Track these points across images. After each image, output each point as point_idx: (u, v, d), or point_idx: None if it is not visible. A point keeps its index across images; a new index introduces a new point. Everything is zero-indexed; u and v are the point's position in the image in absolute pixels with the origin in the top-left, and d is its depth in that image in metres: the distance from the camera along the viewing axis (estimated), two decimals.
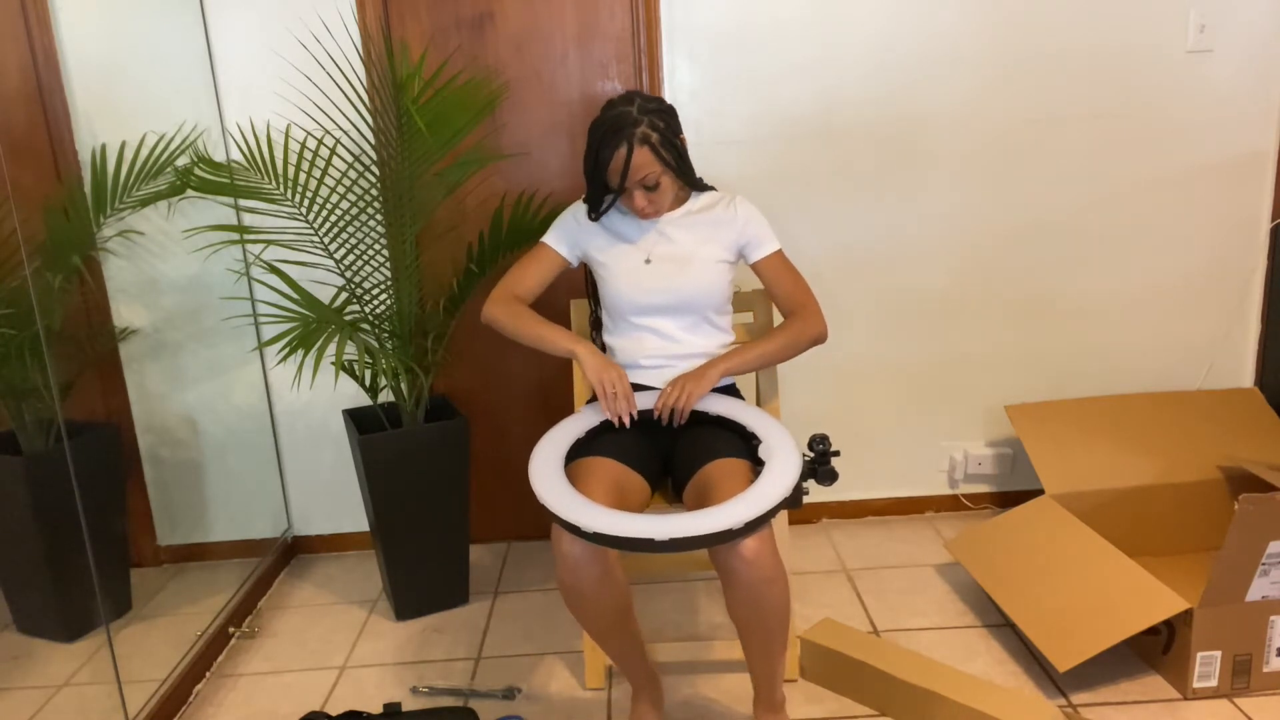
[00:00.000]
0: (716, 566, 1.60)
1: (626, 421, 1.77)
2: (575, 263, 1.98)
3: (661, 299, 1.88)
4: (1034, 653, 2.13)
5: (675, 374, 1.89)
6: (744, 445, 1.77)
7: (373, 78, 2.44)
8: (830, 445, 1.73)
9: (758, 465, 1.70)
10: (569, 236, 1.96)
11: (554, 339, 1.83)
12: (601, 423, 1.82)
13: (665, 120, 1.80)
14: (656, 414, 1.79)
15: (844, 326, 2.73)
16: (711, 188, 1.99)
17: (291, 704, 2.12)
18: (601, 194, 1.86)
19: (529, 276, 1.95)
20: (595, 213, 1.90)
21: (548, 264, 1.96)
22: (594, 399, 1.96)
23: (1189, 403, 2.56)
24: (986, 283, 2.71)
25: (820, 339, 1.89)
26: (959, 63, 2.56)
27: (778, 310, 1.98)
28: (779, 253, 1.94)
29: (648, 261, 1.89)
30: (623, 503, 1.68)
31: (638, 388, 1.91)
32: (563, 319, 2.24)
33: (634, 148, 1.75)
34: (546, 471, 1.66)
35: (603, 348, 2.03)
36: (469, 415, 2.77)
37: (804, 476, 1.66)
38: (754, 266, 1.95)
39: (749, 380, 2.39)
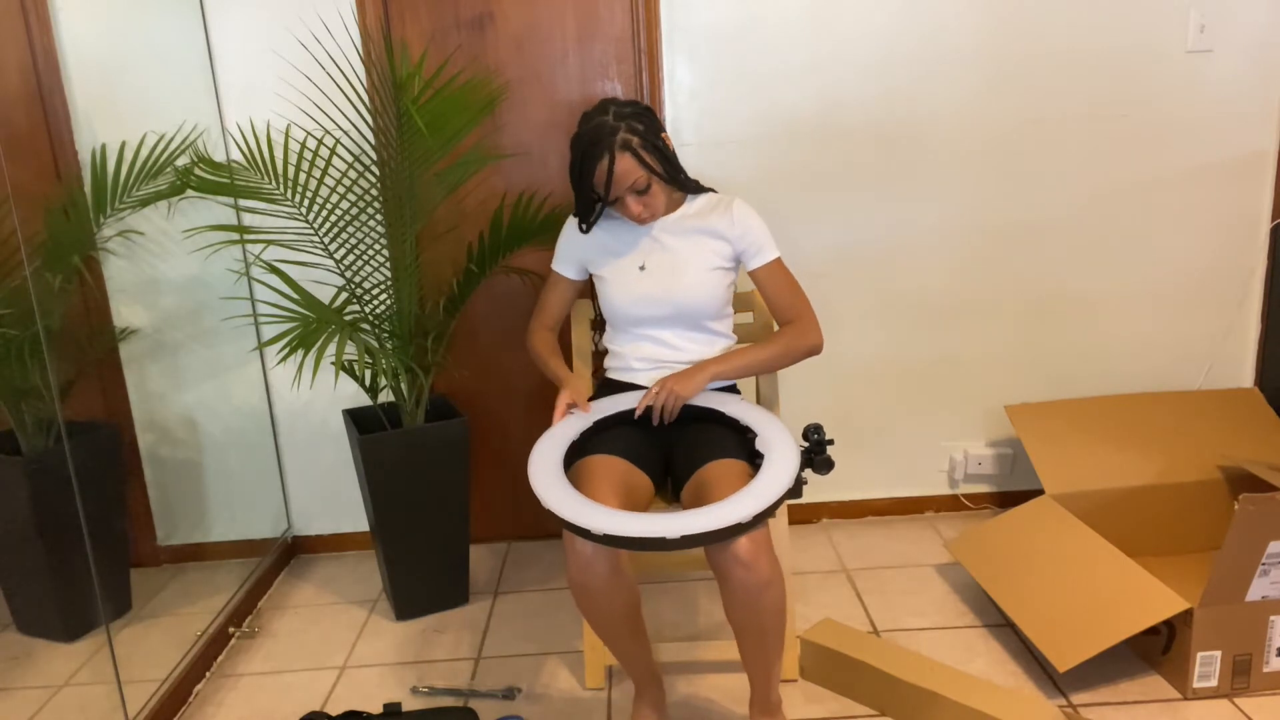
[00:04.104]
0: (714, 569, 1.60)
1: (561, 413, 1.83)
2: (586, 277, 2.01)
3: (656, 310, 1.88)
4: (1034, 653, 2.13)
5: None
6: (741, 444, 1.77)
7: (373, 78, 2.44)
8: (825, 434, 1.74)
9: (755, 460, 1.70)
10: (570, 257, 1.98)
11: (554, 375, 1.95)
12: (596, 422, 1.82)
13: (644, 122, 1.79)
14: (638, 415, 1.80)
15: (844, 326, 2.73)
16: (708, 189, 1.97)
17: (291, 704, 2.12)
18: (590, 206, 1.86)
19: (550, 306, 2.04)
20: (585, 224, 1.92)
21: (561, 289, 2.02)
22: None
23: (1189, 403, 2.56)
24: (986, 282, 2.71)
25: (815, 350, 1.88)
26: (959, 63, 2.56)
27: (774, 319, 1.95)
28: (778, 260, 1.91)
29: (642, 269, 1.88)
30: (630, 501, 1.68)
31: (629, 387, 1.92)
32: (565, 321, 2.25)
33: (616, 155, 1.75)
34: (548, 476, 1.65)
35: (604, 352, 2.03)
36: (469, 415, 2.77)
37: (801, 466, 1.67)
38: (751, 274, 1.93)
39: (749, 380, 2.39)
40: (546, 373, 1.97)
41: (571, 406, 1.84)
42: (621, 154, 1.75)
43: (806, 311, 1.89)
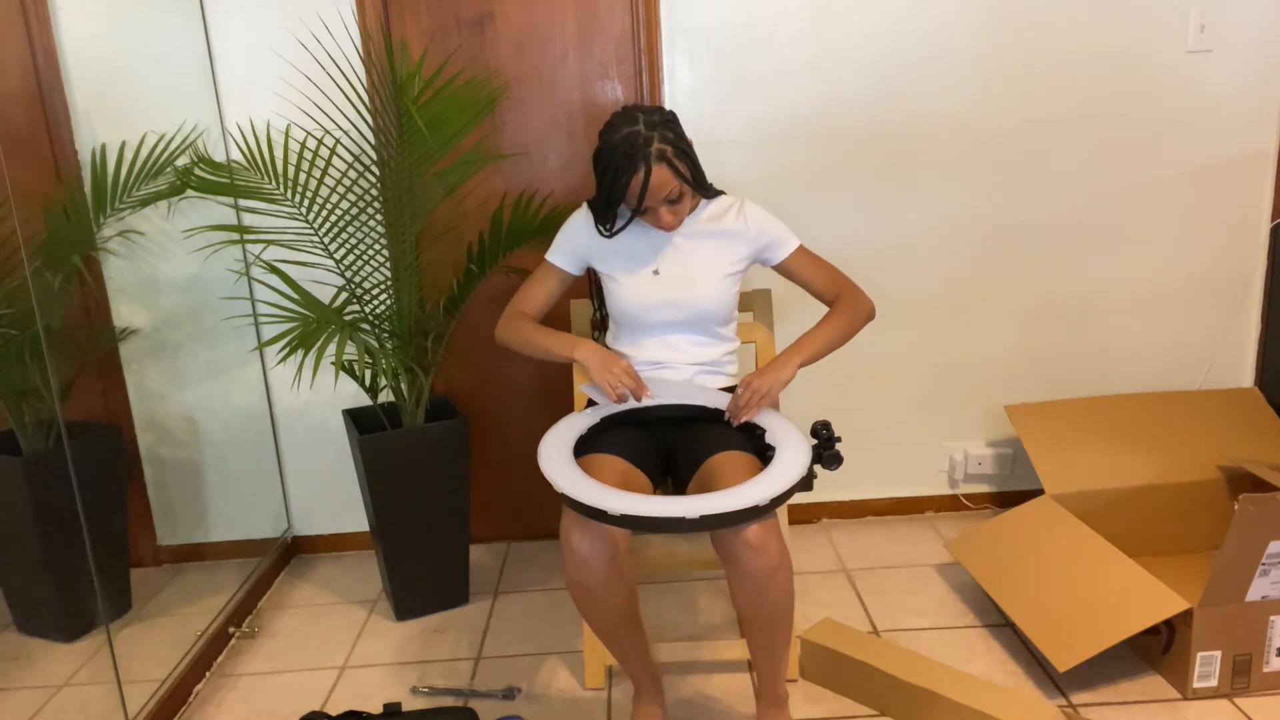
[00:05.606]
0: (722, 555, 1.60)
1: (645, 398, 1.77)
2: (580, 273, 1.96)
3: (670, 314, 1.86)
4: (1034, 653, 2.13)
5: (671, 376, 1.89)
6: (748, 439, 1.77)
7: (373, 78, 2.44)
8: (833, 430, 1.75)
9: (764, 455, 1.71)
10: (573, 253, 1.92)
11: (555, 348, 1.85)
12: (603, 419, 1.82)
13: (674, 130, 1.76)
14: (729, 418, 1.78)
15: None
16: (721, 192, 1.95)
17: (291, 704, 2.12)
18: (614, 214, 1.82)
19: (535, 295, 1.95)
20: (610, 232, 1.86)
21: (553, 281, 1.95)
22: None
23: (1189, 403, 2.56)
24: (987, 282, 2.71)
25: (873, 314, 1.90)
26: (959, 62, 2.56)
27: (821, 300, 1.94)
28: (801, 247, 1.91)
29: (656, 273, 1.87)
30: None
31: None
32: (563, 319, 2.24)
33: (652, 167, 1.70)
34: (560, 462, 1.65)
35: None
36: (469, 415, 2.77)
37: (810, 462, 1.68)
38: (779, 269, 1.91)
39: None
40: (540, 350, 1.87)
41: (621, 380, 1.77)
42: (658, 165, 1.71)
43: (848, 282, 1.91)
